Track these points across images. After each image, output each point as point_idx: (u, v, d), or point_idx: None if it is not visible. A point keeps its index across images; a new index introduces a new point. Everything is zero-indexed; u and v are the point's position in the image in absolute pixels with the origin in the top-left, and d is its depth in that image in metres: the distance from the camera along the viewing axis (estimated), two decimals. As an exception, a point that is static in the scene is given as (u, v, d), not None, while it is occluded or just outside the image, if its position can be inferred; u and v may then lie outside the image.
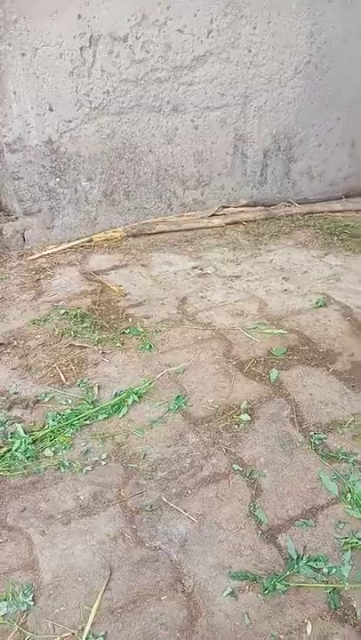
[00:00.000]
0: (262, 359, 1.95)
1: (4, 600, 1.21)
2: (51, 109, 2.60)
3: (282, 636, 1.14)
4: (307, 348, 2.00)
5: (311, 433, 1.64)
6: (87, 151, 2.75)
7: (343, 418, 1.68)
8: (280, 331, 2.10)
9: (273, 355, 1.97)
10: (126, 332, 2.12)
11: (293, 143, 3.17)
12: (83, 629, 1.16)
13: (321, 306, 2.24)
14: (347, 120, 3.23)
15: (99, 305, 2.30)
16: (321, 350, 1.98)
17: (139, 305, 2.30)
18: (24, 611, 1.20)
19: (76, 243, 2.75)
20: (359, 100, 3.22)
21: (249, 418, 1.70)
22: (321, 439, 1.61)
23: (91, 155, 2.76)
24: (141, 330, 2.13)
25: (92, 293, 2.38)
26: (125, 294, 2.38)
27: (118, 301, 2.33)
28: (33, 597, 1.22)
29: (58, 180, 2.74)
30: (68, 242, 2.76)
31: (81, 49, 2.55)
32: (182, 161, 2.99)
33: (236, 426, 1.68)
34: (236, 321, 2.17)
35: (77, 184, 2.78)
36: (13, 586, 1.25)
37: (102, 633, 1.16)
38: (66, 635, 1.16)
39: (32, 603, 1.21)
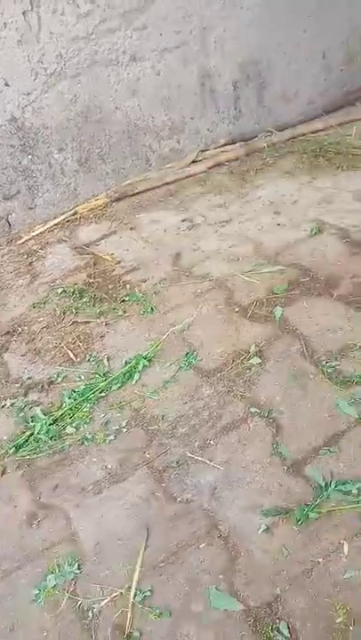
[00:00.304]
0: (265, 300, 1.93)
1: (51, 573, 1.28)
2: (7, 84, 2.52)
3: (321, 560, 1.18)
4: (308, 279, 1.98)
5: (323, 362, 1.64)
6: (53, 121, 2.67)
7: (353, 341, 1.67)
8: (278, 267, 2.06)
9: (275, 293, 1.95)
10: (126, 299, 2.12)
11: (262, 68, 3.01)
12: (130, 587, 1.23)
13: (316, 233, 2.18)
14: (313, 30, 3.04)
15: (95, 277, 2.30)
16: (322, 278, 1.95)
17: (134, 270, 2.29)
18: (72, 579, 1.26)
19: (62, 218, 2.71)
20: (324, 5, 3.01)
21: (259, 360, 1.71)
22: (333, 367, 1.61)
23: (57, 124, 2.68)
24: (140, 294, 2.13)
25: (87, 267, 2.37)
26: (119, 262, 2.36)
27: (113, 270, 2.32)
28: (78, 566, 1.29)
29: (30, 157, 2.68)
30: (54, 218, 2.73)
31: (24, 13, 2.43)
32: (151, 111, 2.88)
33: (247, 371, 1.69)
34: (233, 266, 2.14)
35: (50, 157, 2.72)
36: (57, 558, 1.31)
37: (149, 588, 1.22)
38: (115, 595, 1.22)
39: (78, 571, 1.28)
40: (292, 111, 3.11)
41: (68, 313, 2.12)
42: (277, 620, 1.11)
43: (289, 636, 1.08)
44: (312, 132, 2.88)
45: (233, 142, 3.00)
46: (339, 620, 1.08)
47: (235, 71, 2.99)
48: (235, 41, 2.92)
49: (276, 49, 3.01)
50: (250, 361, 1.71)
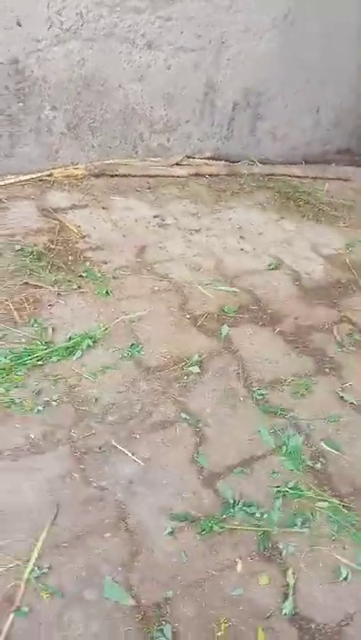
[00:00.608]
0: (215, 315, 1.94)
1: None
2: (19, 24, 2.30)
3: (215, 572, 1.20)
4: (257, 307, 2.01)
5: (254, 388, 1.67)
6: (54, 76, 2.49)
7: (285, 376, 1.73)
8: (233, 289, 2.08)
9: (225, 312, 1.96)
10: (84, 275, 2.03)
11: (262, 100, 3.03)
12: (28, 561, 1.17)
13: (273, 268, 2.24)
14: (314, 84, 3.11)
15: (56, 244, 2.17)
16: (269, 311, 2.00)
17: (97, 249, 2.19)
18: (-31, 543, 1.18)
19: (36, 176, 2.54)
20: (328, 66, 3.10)
21: (198, 370, 1.71)
22: (263, 395, 1.66)
23: (57, 81, 2.51)
24: (99, 274, 2.04)
25: (50, 232, 2.23)
26: (84, 236, 2.25)
27: (76, 243, 2.20)
28: (-21, 531, 1.20)
29: (21, 104, 2.47)
30: (27, 174, 2.54)
31: None
32: (152, 102, 2.79)
33: (185, 377, 1.68)
34: (194, 275, 2.13)
35: (41, 112, 2.53)
36: None
37: (47, 565, 1.17)
38: (11, 565, 1.16)
39: (-23, 536, 1.19)
40: (277, 150, 3.16)
41: (21, 272, 1.98)
42: (163, 622, 1.11)
43: (170, 639, 1.09)
44: (289, 176, 2.95)
45: (218, 158, 2.99)
46: (219, 633, 1.10)
47: (238, 94, 2.98)
48: (245, 66, 2.91)
49: (279, 88, 3.04)
50: (190, 368, 1.71)
